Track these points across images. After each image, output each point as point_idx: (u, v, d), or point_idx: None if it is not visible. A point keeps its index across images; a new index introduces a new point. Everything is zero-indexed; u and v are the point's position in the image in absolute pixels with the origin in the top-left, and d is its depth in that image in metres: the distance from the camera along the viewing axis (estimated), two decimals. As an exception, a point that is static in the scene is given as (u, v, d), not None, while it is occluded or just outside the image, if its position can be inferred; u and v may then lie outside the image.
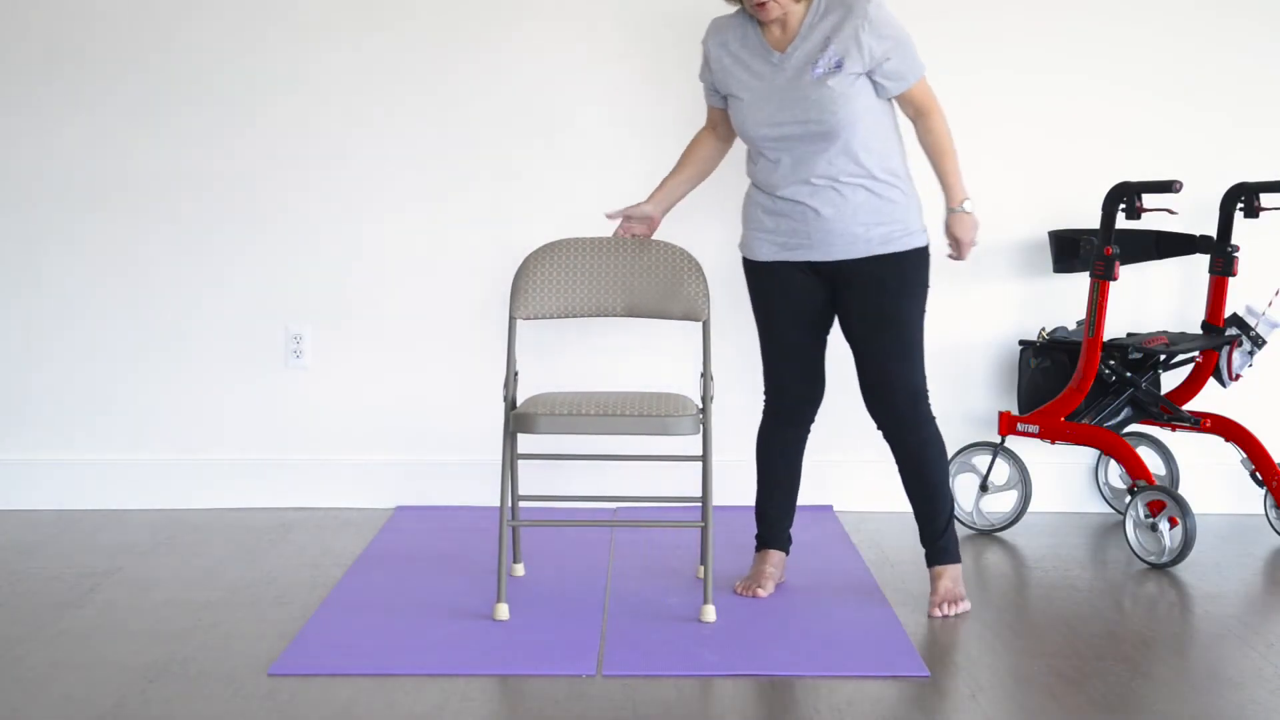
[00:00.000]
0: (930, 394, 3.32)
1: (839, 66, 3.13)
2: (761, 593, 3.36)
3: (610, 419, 3.20)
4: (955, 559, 3.34)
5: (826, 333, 3.38)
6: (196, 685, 2.81)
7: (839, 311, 3.32)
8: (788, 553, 3.49)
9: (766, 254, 3.30)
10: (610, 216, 3.46)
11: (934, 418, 3.32)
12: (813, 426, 3.48)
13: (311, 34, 4.22)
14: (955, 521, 3.39)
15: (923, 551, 3.37)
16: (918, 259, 3.25)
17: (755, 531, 3.49)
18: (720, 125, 3.43)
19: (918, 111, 3.25)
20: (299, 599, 3.39)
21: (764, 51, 3.22)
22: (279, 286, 4.29)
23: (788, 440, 3.44)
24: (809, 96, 3.15)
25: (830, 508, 4.21)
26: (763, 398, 3.47)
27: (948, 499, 3.36)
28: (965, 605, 3.29)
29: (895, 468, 3.42)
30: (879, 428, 3.35)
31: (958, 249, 3.27)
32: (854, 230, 3.19)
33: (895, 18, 3.19)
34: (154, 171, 4.24)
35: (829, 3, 3.17)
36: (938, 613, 3.26)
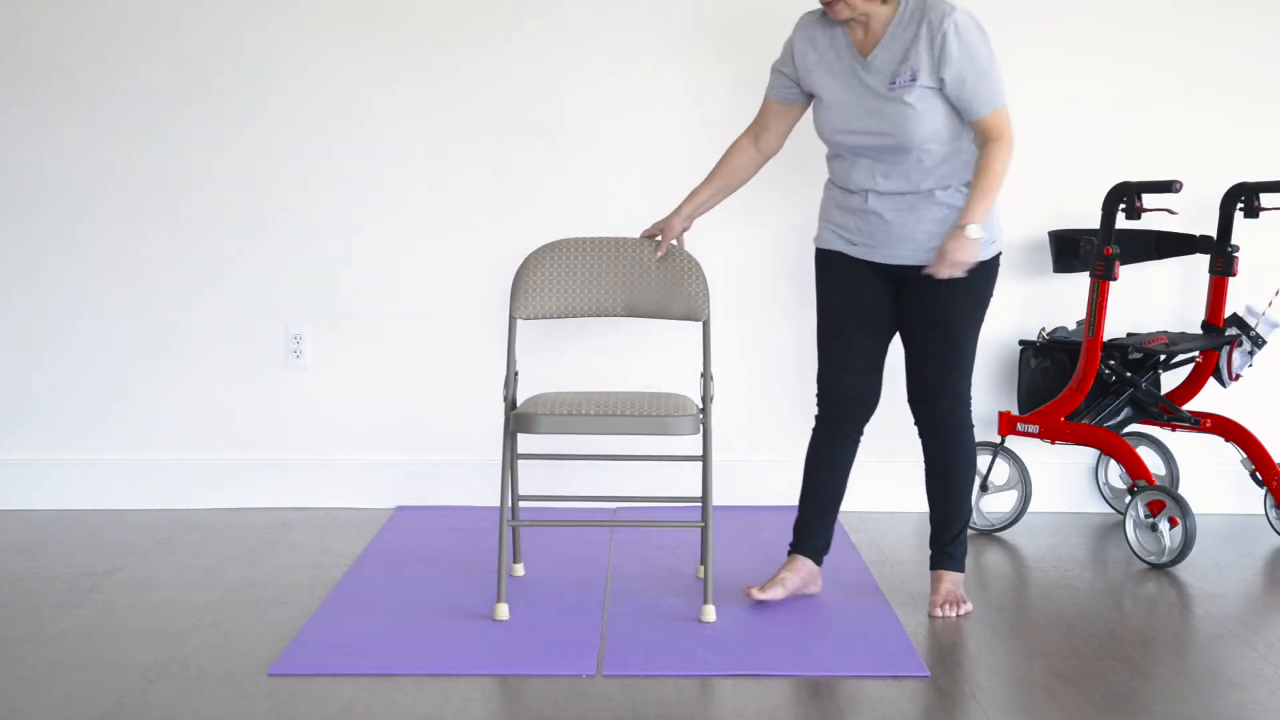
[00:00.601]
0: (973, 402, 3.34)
1: (914, 80, 3.08)
2: (756, 594, 3.30)
3: (610, 419, 3.19)
4: (959, 568, 3.34)
5: (885, 339, 3.32)
6: (196, 685, 2.81)
7: (898, 311, 3.28)
8: (819, 562, 3.41)
9: (835, 245, 3.27)
10: (643, 236, 3.48)
11: (972, 426, 3.32)
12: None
13: (311, 34, 4.21)
14: (966, 537, 3.36)
15: (928, 553, 3.36)
16: (980, 271, 3.17)
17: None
18: (767, 131, 3.36)
19: (984, 139, 3.13)
20: (299, 599, 3.39)
21: (849, 54, 3.16)
22: (279, 286, 4.28)
23: (832, 450, 3.35)
24: (884, 110, 3.10)
25: (830, 508, 4.22)
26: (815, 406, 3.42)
27: (966, 509, 3.35)
28: (968, 607, 3.29)
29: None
30: (916, 424, 3.33)
31: (937, 262, 3.09)
32: (918, 238, 3.16)
33: (978, 41, 3.09)
34: (154, 171, 4.23)
35: (915, 8, 3.11)
36: (938, 613, 3.26)
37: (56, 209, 4.23)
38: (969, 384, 3.29)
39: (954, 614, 3.25)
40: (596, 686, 2.81)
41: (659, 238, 3.42)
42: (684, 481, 3.84)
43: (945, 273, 3.09)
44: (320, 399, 4.31)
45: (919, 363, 3.28)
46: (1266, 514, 4.04)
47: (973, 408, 3.31)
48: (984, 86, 3.08)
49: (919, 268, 3.17)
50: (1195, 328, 4.17)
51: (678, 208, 3.43)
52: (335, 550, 3.82)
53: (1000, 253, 3.25)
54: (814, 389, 3.41)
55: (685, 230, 3.45)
